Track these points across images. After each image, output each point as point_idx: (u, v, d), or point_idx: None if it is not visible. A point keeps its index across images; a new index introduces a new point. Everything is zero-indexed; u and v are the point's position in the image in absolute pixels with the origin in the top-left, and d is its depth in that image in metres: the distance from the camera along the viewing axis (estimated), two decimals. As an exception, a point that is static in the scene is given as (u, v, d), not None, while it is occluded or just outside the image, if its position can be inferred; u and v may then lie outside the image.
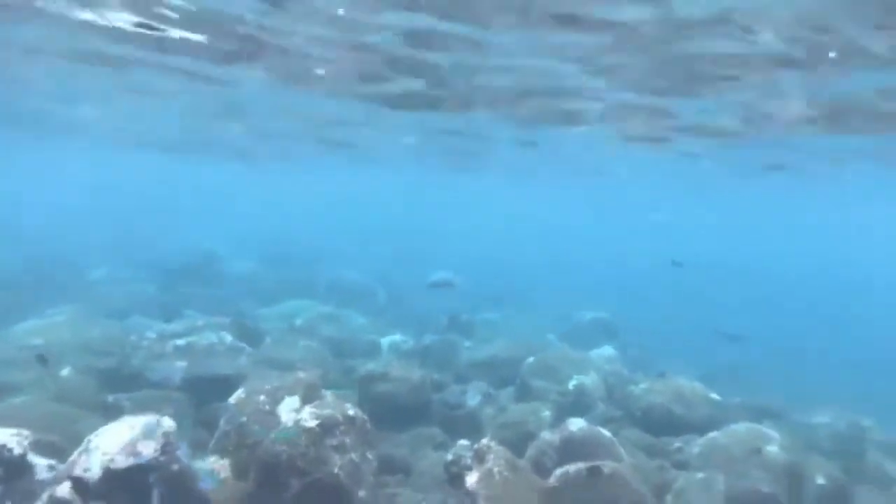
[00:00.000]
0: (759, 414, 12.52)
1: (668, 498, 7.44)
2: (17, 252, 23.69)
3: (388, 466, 9.32)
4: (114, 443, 5.50)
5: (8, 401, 9.54)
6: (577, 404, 12.07)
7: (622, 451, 8.70)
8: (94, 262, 23.46)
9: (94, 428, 6.06)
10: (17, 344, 12.34)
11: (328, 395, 8.34)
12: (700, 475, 7.55)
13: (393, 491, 8.53)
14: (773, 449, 8.82)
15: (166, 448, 5.67)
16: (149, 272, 23.26)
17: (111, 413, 9.02)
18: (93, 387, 10.20)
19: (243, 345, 12.69)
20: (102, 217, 35.50)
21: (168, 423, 5.88)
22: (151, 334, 12.07)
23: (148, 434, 5.66)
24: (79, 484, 5.38)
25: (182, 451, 5.84)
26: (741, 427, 9.54)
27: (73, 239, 26.85)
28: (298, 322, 17.90)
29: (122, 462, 5.38)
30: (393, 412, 11.07)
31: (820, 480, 8.69)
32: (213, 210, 50.29)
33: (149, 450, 5.54)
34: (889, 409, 14.51)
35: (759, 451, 8.60)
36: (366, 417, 7.15)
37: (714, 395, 11.29)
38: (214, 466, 7.04)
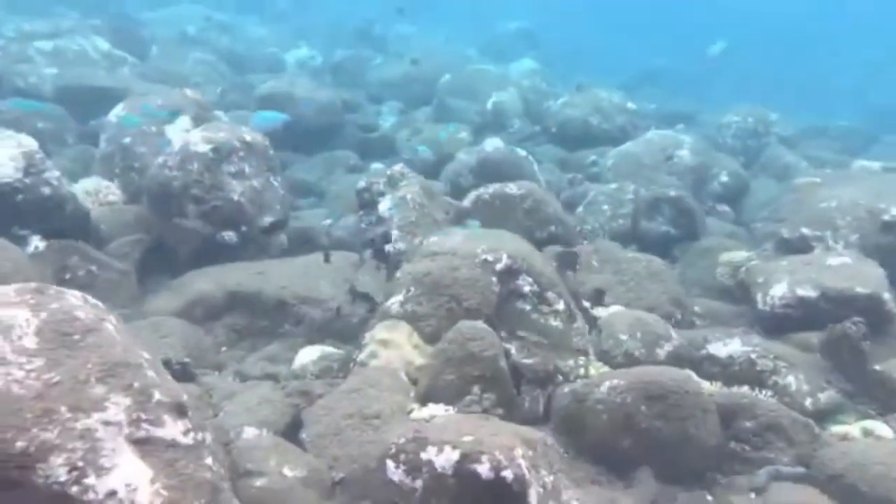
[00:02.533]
0: (674, 119, 12.73)
1: (579, 210, 7.62)
2: None
3: (299, 191, 8.99)
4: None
5: None
6: (495, 124, 11.78)
7: (536, 168, 8.68)
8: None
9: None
10: None
11: (222, 115, 7.50)
12: (612, 186, 7.68)
13: (305, 213, 8.34)
14: (682, 153, 9.04)
15: (30, 169, 4.91)
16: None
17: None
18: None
19: (124, 54, 11.04)
20: None
21: (28, 140, 5.02)
22: (9, 32, 10.14)
23: (4, 152, 4.83)
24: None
25: (52, 174, 5.10)
26: (654, 135, 9.61)
27: None
28: (191, 30, 15.72)
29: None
30: (301, 135, 10.38)
31: (723, 178, 9.11)
32: None
33: (7, 169, 4.77)
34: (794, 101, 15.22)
35: (670, 157, 8.80)
36: (267, 142, 6.48)
37: (631, 105, 11.17)
38: (100, 188, 6.40)
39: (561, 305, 4.82)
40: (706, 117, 14.11)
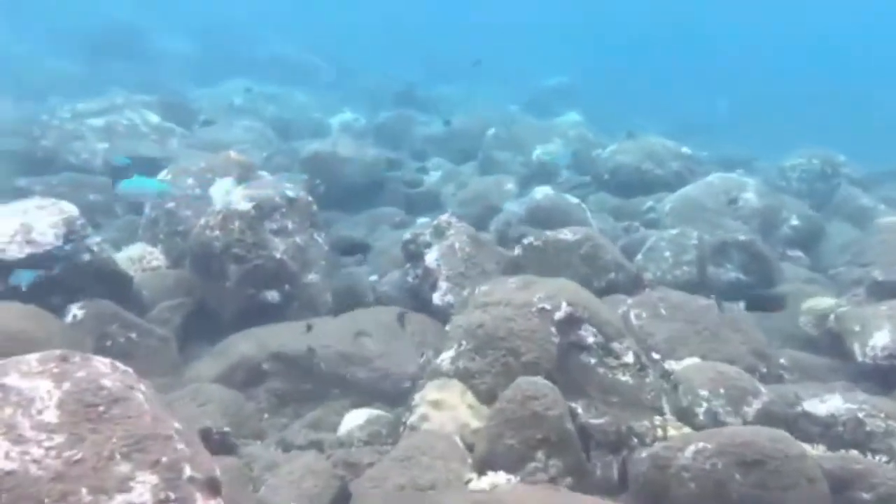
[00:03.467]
0: (731, 164, 12.23)
1: (638, 258, 7.12)
2: None
3: (344, 248, 8.82)
4: (2, 229, 4.60)
5: None
6: (542, 174, 11.52)
7: (589, 215, 8.31)
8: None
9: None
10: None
11: (266, 175, 7.46)
12: (673, 231, 7.17)
13: (350, 272, 8.13)
14: (748, 195, 8.51)
15: (70, 236, 4.82)
16: (67, 46, 20.42)
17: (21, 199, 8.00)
18: (3, 171, 8.98)
19: (172, 125, 11.36)
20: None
21: (69, 207, 4.97)
22: (65, 113, 10.57)
23: (46, 219, 4.76)
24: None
25: (93, 240, 5.02)
26: (714, 178, 9.13)
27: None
28: (238, 101, 16.27)
29: (16, 252, 4.54)
30: (345, 193, 10.35)
31: (794, 221, 8.53)
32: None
33: (48, 237, 4.69)
34: (860, 144, 14.45)
35: (735, 200, 8.29)
36: (310, 198, 6.35)
37: (685, 149, 10.75)
38: (144, 254, 6.34)
39: (630, 358, 4.36)
40: (762, 164, 13.57)
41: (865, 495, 3.42)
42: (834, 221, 9.24)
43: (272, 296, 5.66)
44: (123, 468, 2.55)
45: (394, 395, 5.03)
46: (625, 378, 4.29)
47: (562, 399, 3.88)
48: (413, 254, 6.46)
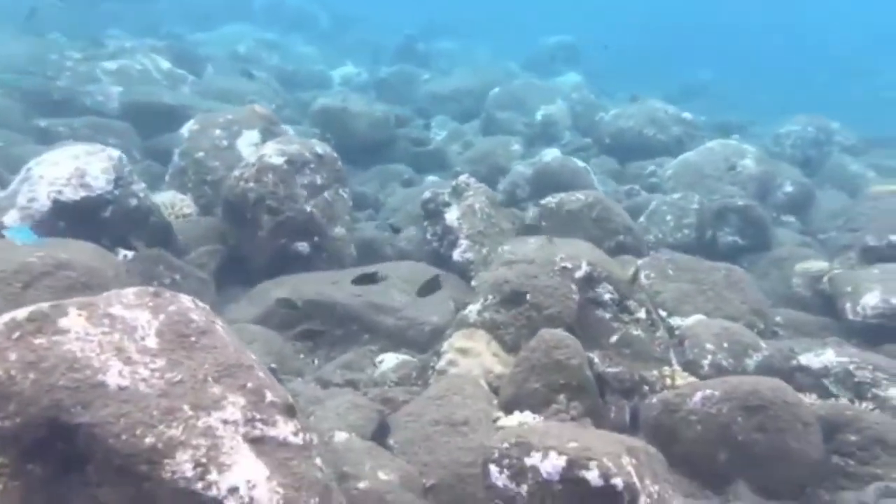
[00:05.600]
0: (725, 130, 12.54)
1: (641, 220, 7.49)
2: None
3: (357, 203, 9.09)
4: (59, 172, 4.82)
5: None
6: (545, 135, 11.78)
7: (594, 178, 8.63)
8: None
9: (33, 154, 5.34)
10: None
11: (290, 130, 7.65)
12: (675, 196, 7.53)
13: (364, 225, 8.42)
14: (746, 162, 8.86)
15: (119, 181, 5.06)
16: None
17: (47, 139, 8.12)
18: (19, 111, 9.04)
19: (183, 72, 11.38)
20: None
21: (115, 153, 5.19)
22: (75, 54, 10.53)
23: (97, 164, 4.98)
24: (25, 213, 4.83)
25: (139, 186, 5.26)
26: (715, 144, 9.43)
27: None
28: (241, 49, 16.18)
29: (72, 194, 4.78)
30: (355, 149, 10.54)
31: (787, 188, 8.91)
32: None
33: (100, 182, 4.92)
34: (853, 111, 14.83)
35: (733, 167, 8.64)
36: (336, 154, 6.59)
37: (686, 115, 11.03)
38: (176, 201, 6.58)
39: (642, 314, 4.76)
40: (758, 129, 13.87)
41: (853, 437, 3.89)
42: (826, 188, 9.67)
43: (302, 247, 5.95)
44: (216, 390, 2.88)
45: (420, 342, 5.40)
46: (637, 332, 4.70)
47: (582, 349, 4.28)
48: (433, 212, 6.76)
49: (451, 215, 6.44)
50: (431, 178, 10.25)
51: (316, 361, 5.15)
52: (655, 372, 4.50)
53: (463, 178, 6.90)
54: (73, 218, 4.69)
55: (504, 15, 28.11)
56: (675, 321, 5.11)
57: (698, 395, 3.98)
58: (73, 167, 4.72)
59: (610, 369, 4.43)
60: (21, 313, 2.79)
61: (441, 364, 4.74)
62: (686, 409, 3.98)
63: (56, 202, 4.62)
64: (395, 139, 11.20)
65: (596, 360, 4.50)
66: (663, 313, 5.24)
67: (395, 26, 21.80)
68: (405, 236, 7.43)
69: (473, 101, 13.78)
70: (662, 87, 18.65)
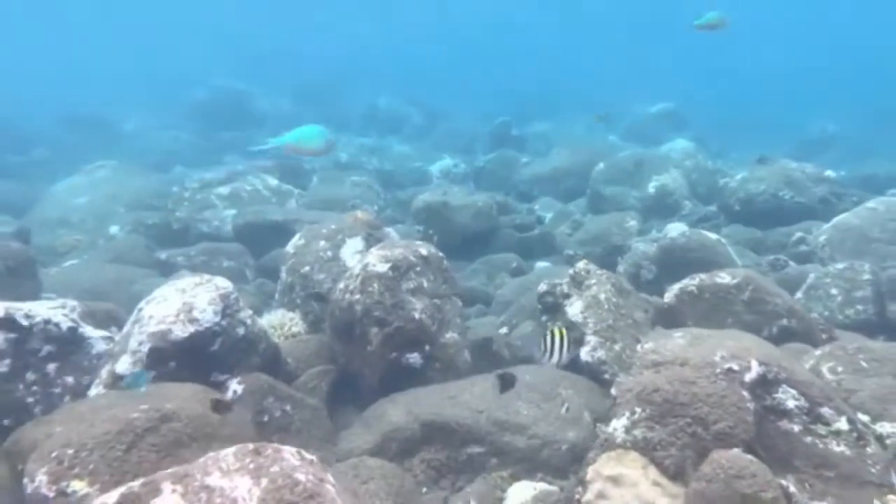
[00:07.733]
0: (875, 185, 11.13)
1: (799, 295, 6.40)
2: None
3: (466, 298, 8.62)
4: (167, 310, 4.68)
5: (60, 265, 9.08)
6: (661, 207, 10.94)
7: (731, 251, 7.66)
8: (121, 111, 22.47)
9: (153, 288, 5.29)
10: (64, 203, 11.85)
11: (392, 232, 7.41)
12: (839, 265, 6.38)
13: (475, 323, 7.88)
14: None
15: (227, 311, 4.85)
16: (176, 118, 22.11)
17: (167, 271, 8.44)
18: (143, 244, 9.59)
19: (290, 187, 11.77)
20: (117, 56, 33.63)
21: (223, 282, 5.02)
22: (193, 184, 11.22)
23: (204, 296, 4.81)
24: (136, 358, 4.69)
25: (246, 313, 5.04)
26: (878, 203, 8.14)
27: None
28: (343, 157, 16.81)
29: (180, 332, 4.59)
30: (459, 242, 10.24)
31: None
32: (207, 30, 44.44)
33: (207, 314, 4.72)
34: None
35: None
36: (441, 254, 6.18)
37: (829, 173, 9.82)
38: (285, 321, 6.38)
39: (843, 424, 3.76)
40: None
41: None
42: None
43: (414, 358, 5.47)
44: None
45: (554, 465, 4.64)
46: (840, 448, 3.69)
47: (773, 478, 3.37)
48: (552, 306, 6.12)
49: (574, 309, 5.76)
50: (541, 263, 9.68)
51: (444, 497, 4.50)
52: (877, 502, 3.46)
53: (581, 265, 6.24)
54: (183, 355, 4.48)
55: (590, 90, 27.94)
56: (885, 428, 4.02)
57: (954, 541, 2.94)
58: (180, 302, 4.56)
59: (814, 502, 3.46)
60: (111, 498, 2.42)
61: (588, 497, 3.94)
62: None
63: (165, 342, 4.43)
64: (499, 227, 10.83)
65: (792, 488, 3.54)
66: (864, 418, 4.18)
67: (486, 115, 22.11)
68: (520, 335, 6.79)
69: (576, 179, 13.28)
70: (777, 145, 17.36)
